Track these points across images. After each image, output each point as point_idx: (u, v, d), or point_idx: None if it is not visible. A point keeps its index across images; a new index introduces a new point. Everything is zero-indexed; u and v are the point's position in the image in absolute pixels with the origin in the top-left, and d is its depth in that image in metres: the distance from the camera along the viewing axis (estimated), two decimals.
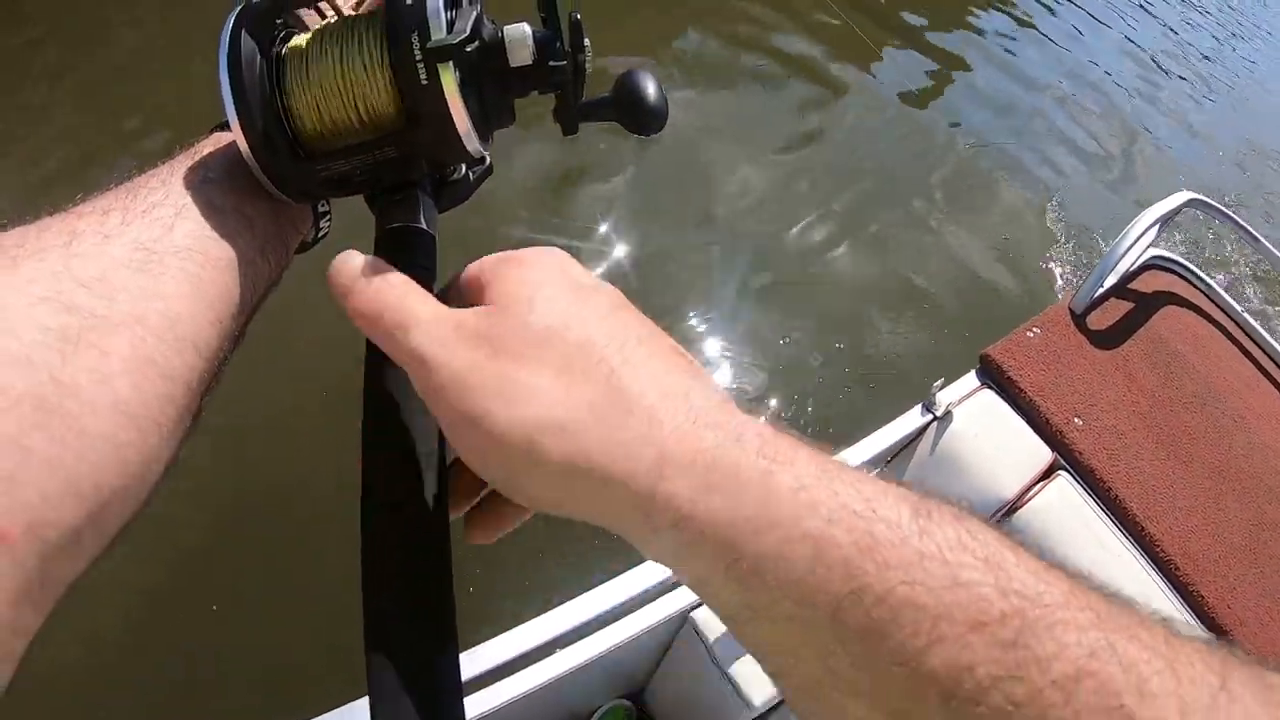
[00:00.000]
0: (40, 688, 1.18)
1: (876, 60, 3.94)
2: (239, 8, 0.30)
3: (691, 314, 2.47)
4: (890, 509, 0.20)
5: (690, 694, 1.28)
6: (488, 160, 0.35)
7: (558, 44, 0.29)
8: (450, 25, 0.28)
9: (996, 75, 4.39)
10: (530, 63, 0.29)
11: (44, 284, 0.23)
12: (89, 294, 0.23)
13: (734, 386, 2.38)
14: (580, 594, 1.10)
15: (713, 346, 2.43)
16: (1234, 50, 6.73)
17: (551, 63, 0.29)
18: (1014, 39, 4.82)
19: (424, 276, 0.30)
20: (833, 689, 0.20)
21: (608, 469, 0.22)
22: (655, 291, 2.48)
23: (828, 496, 0.21)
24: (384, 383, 0.28)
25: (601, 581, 1.12)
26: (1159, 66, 5.49)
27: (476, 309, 0.25)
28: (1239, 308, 1.53)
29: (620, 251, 2.49)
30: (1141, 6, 6.22)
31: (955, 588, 0.19)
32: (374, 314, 0.25)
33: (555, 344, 0.23)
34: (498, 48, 0.29)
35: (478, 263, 0.27)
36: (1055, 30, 5.10)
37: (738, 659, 1.18)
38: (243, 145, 0.29)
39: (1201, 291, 1.52)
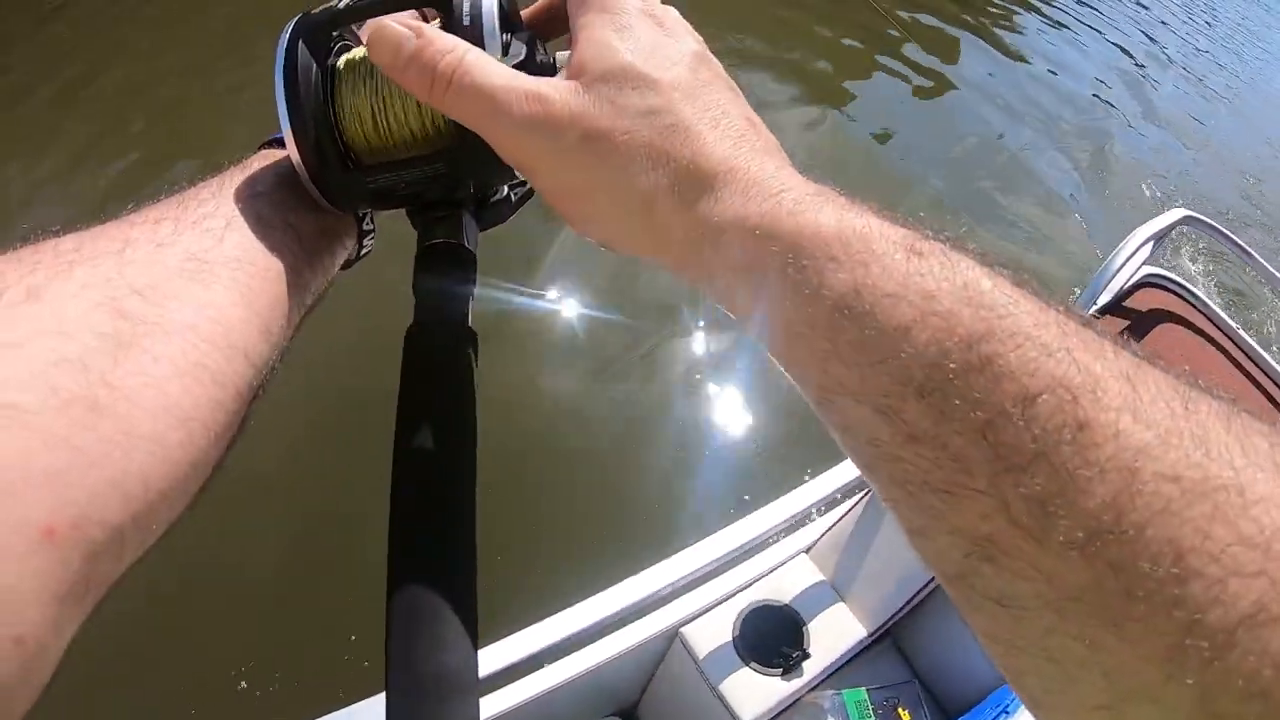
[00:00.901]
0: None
1: (856, 86, 3.99)
2: (296, 19, 0.31)
3: (685, 316, 2.48)
4: (885, 241, 0.22)
5: (682, 712, 1.27)
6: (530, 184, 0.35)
7: None
8: (506, 48, 0.29)
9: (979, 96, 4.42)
10: None
11: (98, 289, 0.23)
12: (142, 300, 0.24)
13: (728, 391, 2.38)
14: (567, 607, 1.09)
15: (704, 350, 2.45)
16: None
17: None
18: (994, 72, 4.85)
19: (464, 294, 0.31)
20: (834, 391, 0.22)
21: (677, 250, 0.27)
22: (645, 292, 2.49)
23: (837, 223, 0.23)
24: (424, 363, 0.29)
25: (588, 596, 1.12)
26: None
27: (553, 84, 0.27)
28: (1235, 325, 1.53)
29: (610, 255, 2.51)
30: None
31: (931, 301, 0.21)
32: (453, 69, 0.26)
33: (635, 141, 0.26)
34: (550, 73, 0.29)
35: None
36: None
37: (728, 676, 1.18)
38: (294, 153, 0.30)
39: (1198, 309, 1.52)
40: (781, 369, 0.25)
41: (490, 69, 0.27)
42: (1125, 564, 0.17)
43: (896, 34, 4.54)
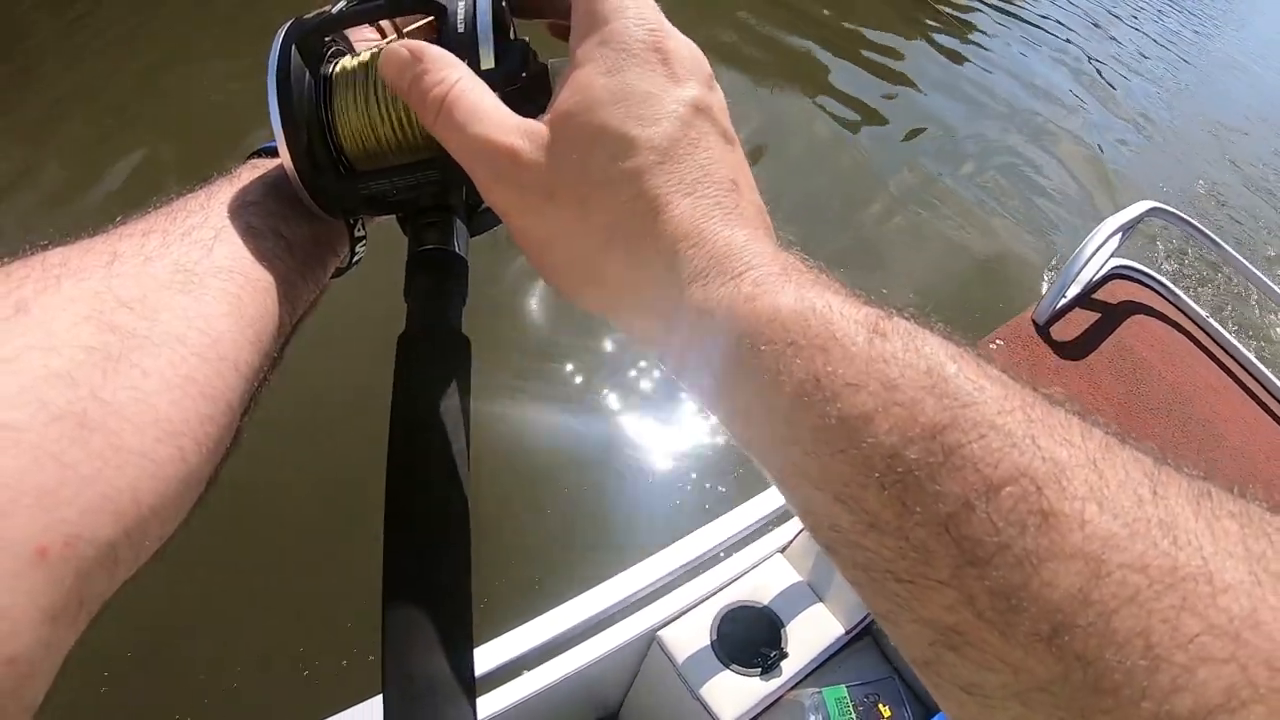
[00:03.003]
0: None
1: (824, 82, 4.02)
2: (289, 24, 0.30)
3: None
4: (846, 322, 0.22)
5: (663, 715, 1.27)
6: None
7: None
8: (499, 56, 0.29)
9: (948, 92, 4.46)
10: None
11: (86, 303, 0.23)
12: (131, 314, 0.24)
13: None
14: (541, 614, 1.09)
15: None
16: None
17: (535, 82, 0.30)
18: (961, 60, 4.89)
19: (456, 301, 0.31)
20: (793, 476, 0.22)
21: (631, 319, 0.27)
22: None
23: (797, 304, 0.22)
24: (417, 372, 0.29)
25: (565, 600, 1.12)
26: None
27: (529, 133, 0.26)
28: (1204, 314, 1.54)
29: None
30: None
31: (894, 390, 0.20)
32: (441, 100, 0.27)
33: (608, 199, 0.25)
34: (543, 80, 0.30)
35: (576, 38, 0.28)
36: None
37: (707, 680, 1.18)
38: (286, 159, 0.30)
39: (1166, 299, 1.53)
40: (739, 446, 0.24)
41: (476, 105, 0.27)
42: (1092, 656, 0.17)
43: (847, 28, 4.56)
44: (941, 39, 4.97)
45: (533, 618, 1.08)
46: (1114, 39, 6.51)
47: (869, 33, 4.59)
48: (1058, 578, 0.18)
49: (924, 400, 0.20)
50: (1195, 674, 0.16)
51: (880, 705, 1.27)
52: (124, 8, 3.08)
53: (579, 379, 2.31)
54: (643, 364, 2.35)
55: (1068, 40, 5.88)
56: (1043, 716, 0.18)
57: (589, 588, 1.12)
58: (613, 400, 2.29)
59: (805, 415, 0.21)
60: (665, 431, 2.26)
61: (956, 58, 4.84)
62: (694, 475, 2.18)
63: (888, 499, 0.20)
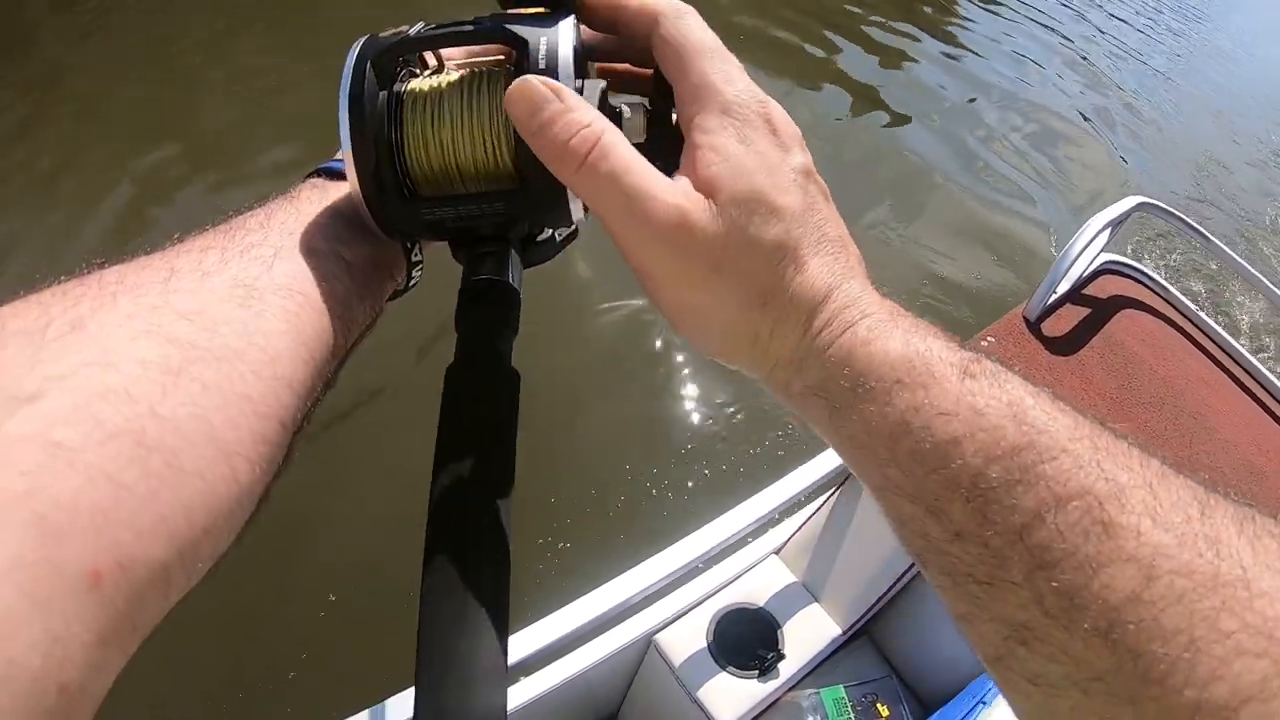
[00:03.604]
0: None
1: (820, 75, 4.03)
2: (364, 40, 0.30)
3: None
4: (943, 365, 0.25)
5: (662, 718, 1.27)
6: (575, 225, 0.34)
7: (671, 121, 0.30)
8: (579, 94, 0.28)
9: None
10: (642, 140, 0.29)
11: (143, 318, 0.23)
12: (190, 326, 0.23)
13: (706, 394, 2.38)
14: (540, 618, 1.09)
15: (684, 353, 2.46)
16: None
17: (662, 142, 0.30)
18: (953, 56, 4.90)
19: (507, 334, 0.31)
20: (890, 492, 0.25)
21: (767, 369, 0.29)
22: (617, 292, 2.50)
23: (904, 349, 0.26)
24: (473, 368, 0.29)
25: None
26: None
27: (686, 195, 0.27)
28: (1194, 307, 1.55)
29: (581, 259, 2.51)
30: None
31: (980, 418, 0.24)
32: (591, 147, 0.27)
33: (759, 270, 0.28)
34: (616, 122, 0.29)
35: (698, 125, 0.28)
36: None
37: (705, 682, 1.18)
38: (352, 177, 0.29)
39: (1156, 293, 1.53)
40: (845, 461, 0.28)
41: (627, 159, 0.27)
42: (1142, 649, 0.19)
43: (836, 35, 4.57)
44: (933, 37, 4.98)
45: (528, 622, 1.08)
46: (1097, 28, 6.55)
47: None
48: (1115, 580, 0.20)
49: (1006, 427, 0.23)
50: (1232, 666, 0.18)
51: (879, 705, 1.27)
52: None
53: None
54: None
55: (1051, 28, 5.90)
56: (1099, 703, 0.20)
57: (586, 591, 1.12)
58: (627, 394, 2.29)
59: (904, 440, 0.24)
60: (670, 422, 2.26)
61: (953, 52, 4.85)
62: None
63: (971, 511, 0.23)
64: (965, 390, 0.24)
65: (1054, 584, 0.21)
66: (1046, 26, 5.97)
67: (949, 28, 5.22)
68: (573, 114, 0.27)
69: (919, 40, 4.87)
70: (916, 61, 4.65)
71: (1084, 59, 5.75)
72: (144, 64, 2.92)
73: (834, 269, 0.28)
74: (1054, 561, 0.21)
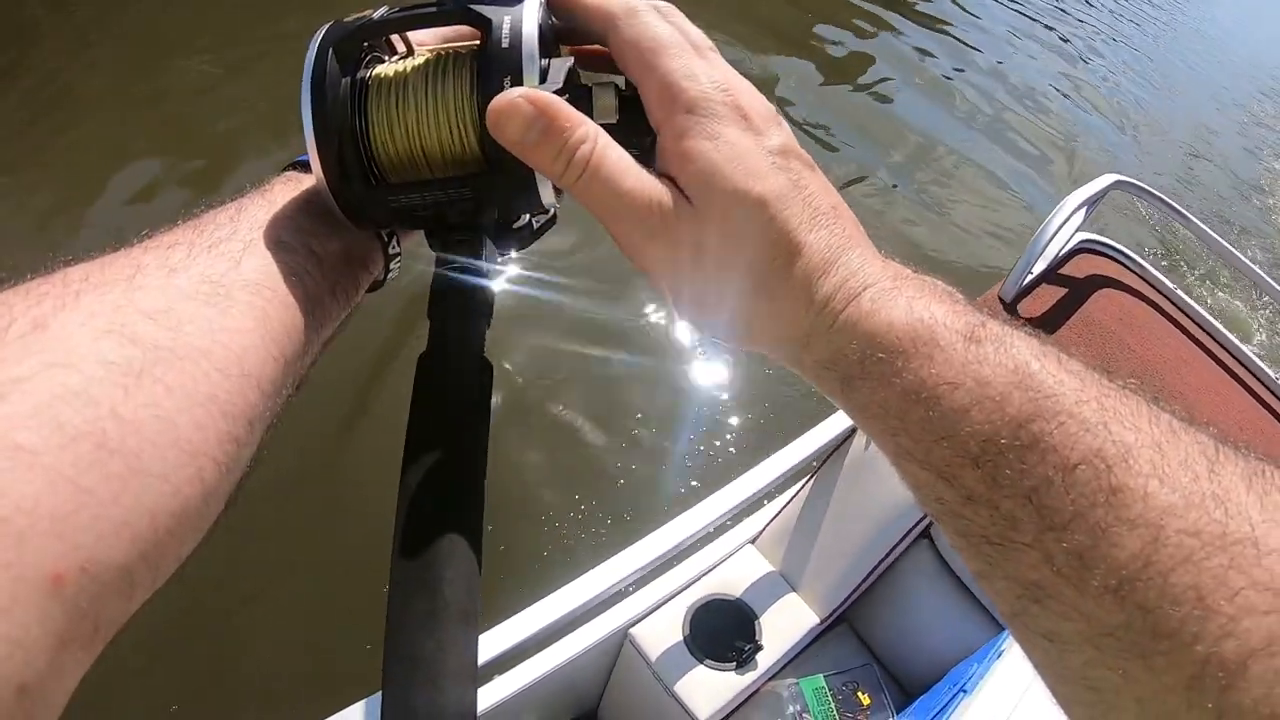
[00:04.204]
0: None
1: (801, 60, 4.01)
2: (327, 26, 0.29)
3: (648, 309, 2.48)
4: (948, 332, 0.26)
5: (639, 713, 1.26)
6: (552, 211, 0.34)
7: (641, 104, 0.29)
8: (544, 74, 0.28)
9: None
10: (615, 120, 0.29)
11: (106, 317, 0.22)
12: (154, 325, 0.23)
13: (702, 383, 2.37)
14: (513, 615, 1.07)
15: (673, 341, 2.45)
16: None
17: (635, 122, 0.29)
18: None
19: (480, 323, 0.31)
20: (903, 458, 0.26)
21: (776, 345, 0.30)
22: (607, 284, 2.48)
23: (907, 317, 0.26)
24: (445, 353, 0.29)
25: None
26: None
27: (672, 195, 0.28)
28: (1171, 285, 1.54)
29: (575, 246, 2.49)
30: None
31: (986, 386, 0.24)
32: (587, 161, 0.27)
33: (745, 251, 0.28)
34: (586, 103, 0.29)
35: (672, 125, 0.28)
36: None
37: (682, 675, 1.16)
38: (315, 165, 0.29)
39: (1133, 271, 1.52)
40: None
41: (621, 164, 0.28)
42: (1152, 606, 0.20)
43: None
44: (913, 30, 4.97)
45: (501, 618, 1.06)
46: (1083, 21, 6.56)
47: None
48: (1123, 540, 0.21)
49: (1012, 394, 0.23)
50: (1240, 622, 0.19)
51: (859, 693, 1.26)
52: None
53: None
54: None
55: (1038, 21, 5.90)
56: (1111, 657, 0.21)
57: (563, 584, 1.10)
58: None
59: (914, 409, 0.25)
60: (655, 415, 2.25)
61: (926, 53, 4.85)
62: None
63: (981, 476, 0.23)
64: (971, 358, 0.25)
65: (1064, 545, 0.22)
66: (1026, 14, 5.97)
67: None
68: (568, 130, 0.27)
69: (902, 19, 4.86)
70: (900, 33, 4.64)
71: (1063, 41, 5.75)
72: (147, 59, 2.88)
73: (831, 242, 0.28)
74: (1063, 524, 0.22)
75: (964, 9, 5.54)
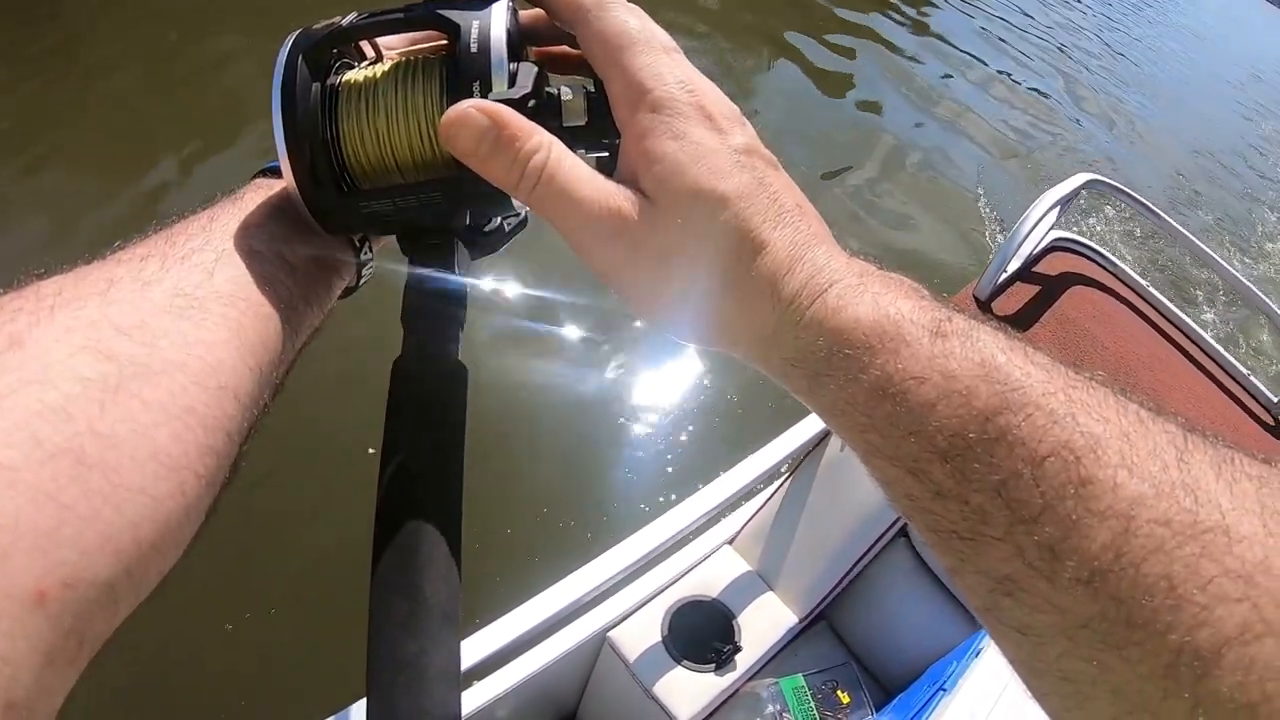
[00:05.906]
0: None
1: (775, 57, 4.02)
2: (297, 33, 0.30)
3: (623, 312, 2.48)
4: (914, 327, 0.25)
5: (619, 715, 1.25)
6: (523, 214, 0.34)
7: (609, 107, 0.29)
8: (512, 79, 0.28)
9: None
10: (583, 123, 0.29)
11: (81, 333, 0.23)
12: (129, 341, 0.23)
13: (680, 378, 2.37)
14: (490, 621, 1.06)
15: (649, 343, 2.46)
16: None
17: (603, 125, 0.29)
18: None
19: (454, 327, 0.31)
20: (872, 454, 0.26)
21: (744, 345, 0.29)
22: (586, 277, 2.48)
23: (873, 313, 0.26)
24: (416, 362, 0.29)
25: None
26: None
27: (630, 198, 0.28)
28: (1145, 283, 1.55)
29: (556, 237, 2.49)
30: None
31: (952, 380, 0.24)
32: (540, 171, 0.27)
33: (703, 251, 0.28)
34: (554, 106, 0.29)
35: (637, 124, 0.28)
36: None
37: (661, 677, 1.16)
38: (286, 172, 0.29)
39: (1107, 270, 1.54)
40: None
41: (575, 172, 0.28)
42: (1125, 596, 0.20)
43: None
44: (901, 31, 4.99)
45: (479, 624, 1.05)
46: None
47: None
48: (1094, 532, 0.21)
49: (978, 387, 0.23)
50: (1213, 611, 0.19)
51: (839, 691, 1.26)
52: None
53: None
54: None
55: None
56: (1085, 649, 0.21)
57: (540, 589, 1.10)
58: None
59: (881, 405, 0.25)
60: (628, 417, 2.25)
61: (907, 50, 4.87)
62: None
63: (950, 470, 0.23)
64: (937, 352, 0.24)
65: (1035, 538, 0.22)
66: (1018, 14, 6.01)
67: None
68: (519, 141, 0.27)
69: (891, 20, 4.88)
70: (889, 39, 4.66)
71: (1060, 49, 5.80)
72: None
73: (795, 239, 0.28)
74: (1033, 517, 0.22)
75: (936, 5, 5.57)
